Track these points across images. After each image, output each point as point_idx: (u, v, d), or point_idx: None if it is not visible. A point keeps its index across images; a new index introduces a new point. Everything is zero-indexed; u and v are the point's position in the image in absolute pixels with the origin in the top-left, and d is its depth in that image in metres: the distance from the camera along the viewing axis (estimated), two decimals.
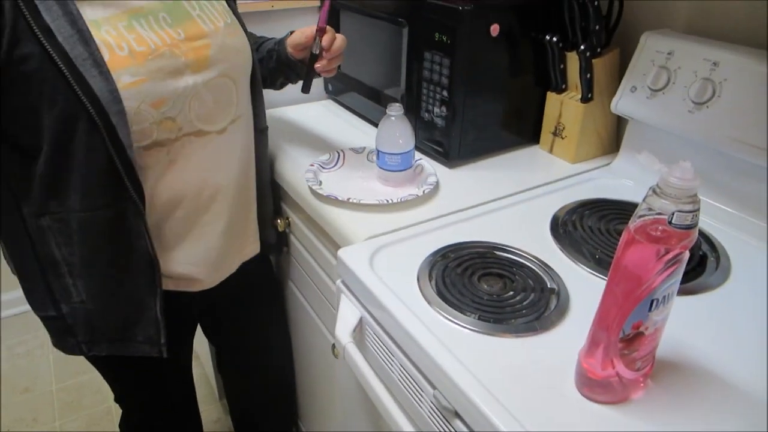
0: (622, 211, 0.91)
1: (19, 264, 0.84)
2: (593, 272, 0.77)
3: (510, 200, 0.95)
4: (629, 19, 1.02)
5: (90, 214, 0.76)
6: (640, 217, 0.54)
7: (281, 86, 1.08)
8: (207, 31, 0.81)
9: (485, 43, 0.97)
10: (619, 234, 0.85)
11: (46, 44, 0.65)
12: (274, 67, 1.02)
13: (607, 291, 0.56)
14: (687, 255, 0.54)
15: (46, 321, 0.87)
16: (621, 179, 1.02)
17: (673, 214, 0.50)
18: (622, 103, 0.99)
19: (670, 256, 0.52)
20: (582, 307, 0.71)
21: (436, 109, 1.02)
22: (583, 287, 0.74)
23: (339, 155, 1.06)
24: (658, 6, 1.02)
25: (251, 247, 1.01)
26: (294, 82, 1.06)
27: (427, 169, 1.01)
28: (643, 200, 0.53)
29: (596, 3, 0.95)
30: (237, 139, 0.90)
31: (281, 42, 1.02)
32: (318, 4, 1.33)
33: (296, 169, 1.03)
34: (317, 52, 0.94)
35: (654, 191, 0.52)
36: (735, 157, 0.86)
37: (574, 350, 0.60)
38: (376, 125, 1.23)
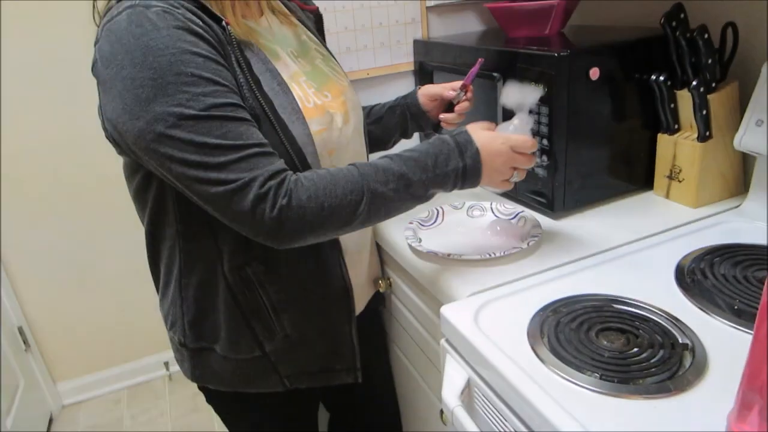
0: (760, 256, 0.81)
1: (218, 319, 0.85)
2: (732, 324, 0.68)
3: (625, 249, 0.88)
4: (746, 49, 0.94)
5: (296, 253, 0.79)
6: None
7: (394, 143, 1.11)
8: (341, 89, 0.89)
9: (585, 88, 0.94)
10: (761, 282, 0.75)
11: (257, 93, 0.73)
12: (398, 121, 1.05)
13: (756, 345, 0.48)
14: None
15: (249, 363, 0.88)
16: (754, 222, 0.91)
17: None
18: (747, 138, 0.90)
19: None
20: (723, 365, 0.61)
21: (537, 159, 0.99)
22: (722, 342, 0.65)
23: (438, 212, 1.05)
24: None
25: (361, 303, 1.01)
26: (421, 130, 1.09)
27: (531, 220, 0.96)
28: None
29: (706, 36, 0.89)
30: None
31: (410, 96, 1.06)
32: (411, 68, 1.36)
33: (395, 228, 1.03)
34: (456, 102, 0.99)
35: None
36: None
37: (718, 414, 0.52)
38: None
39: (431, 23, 1.35)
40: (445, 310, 0.75)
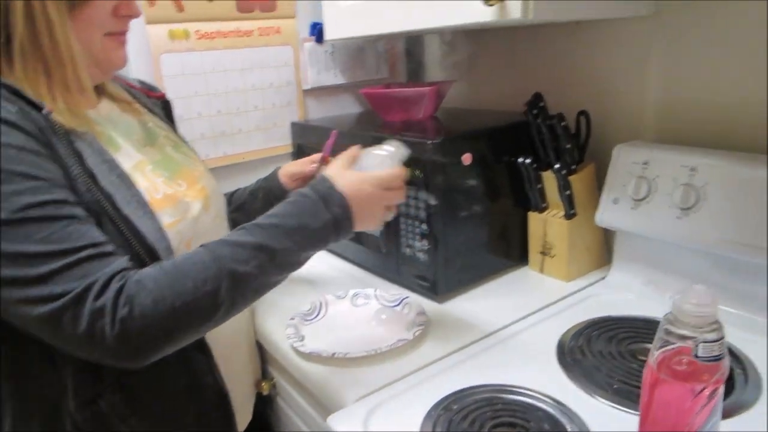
0: (630, 328, 0.85)
1: None
2: (614, 405, 0.69)
3: (509, 330, 0.88)
4: (599, 133, 1.03)
5: (157, 369, 0.65)
6: (660, 349, 0.48)
7: None
8: (197, 175, 0.82)
9: (459, 172, 0.96)
10: (634, 356, 0.78)
11: (93, 188, 0.65)
12: (260, 206, 0.98)
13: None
14: (723, 388, 0.47)
15: None
16: (621, 292, 0.96)
17: (697, 346, 0.44)
18: (607, 215, 0.97)
19: (707, 392, 0.45)
20: None
21: (417, 243, 0.99)
22: (607, 424, 0.66)
23: (320, 304, 1.00)
24: (626, 119, 1.03)
25: (245, 413, 0.92)
26: None
27: (416, 307, 0.95)
28: (660, 330, 0.47)
29: (563, 124, 0.95)
30: None
31: (270, 178, 1.01)
32: (289, 150, 1.34)
33: (275, 323, 0.96)
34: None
35: (669, 321, 0.47)
36: (729, 257, 0.82)
37: None
38: (353, 263, 1.19)
39: (308, 105, 1.35)
40: (333, 420, 0.70)
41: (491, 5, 0.80)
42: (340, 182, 0.72)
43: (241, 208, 1.00)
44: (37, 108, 0.63)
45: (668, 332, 0.46)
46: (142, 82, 0.95)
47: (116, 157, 0.70)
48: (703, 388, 0.44)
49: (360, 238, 1.15)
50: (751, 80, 0.86)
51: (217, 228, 0.83)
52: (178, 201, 0.75)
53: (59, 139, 0.64)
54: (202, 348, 0.76)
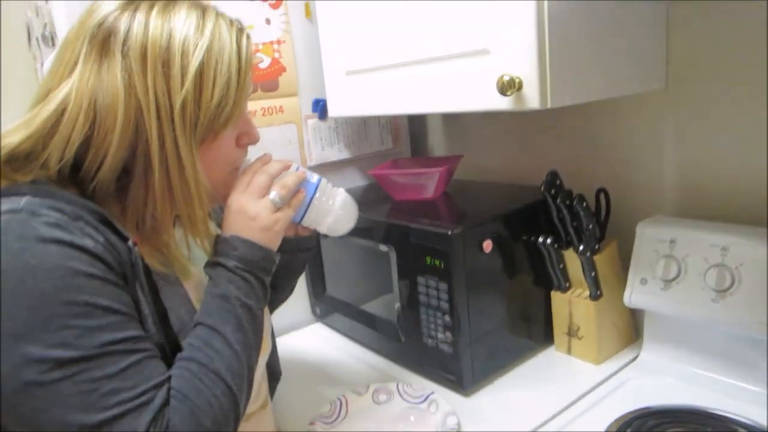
0: (675, 420, 0.80)
1: None
2: None
3: (548, 429, 0.84)
4: (618, 208, 1.00)
5: None
6: None
7: (290, 288, 0.99)
8: None
9: (480, 260, 0.93)
10: None
11: (160, 329, 0.63)
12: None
13: None
14: None
15: None
16: (656, 376, 0.92)
17: None
18: (636, 296, 0.93)
19: None
20: None
21: (440, 335, 0.94)
22: None
23: (340, 403, 0.95)
24: (646, 193, 1.01)
25: None
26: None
27: (443, 406, 0.90)
28: None
29: (585, 204, 0.93)
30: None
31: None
32: None
33: (297, 426, 0.91)
34: None
35: None
36: (765, 339, 0.80)
37: None
38: (373, 350, 1.14)
39: None
40: None
41: (508, 96, 0.78)
42: (228, 225, 0.70)
43: None
44: (123, 238, 0.61)
45: None
46: None
47: (187, 287, 0.70)
48: None
49: (376, 325, 1.11)
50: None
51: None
52: None
53: (136, 272, 0.61)
54: None
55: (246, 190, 0.70)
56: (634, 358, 0.98)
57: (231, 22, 0.67)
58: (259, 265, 0.68)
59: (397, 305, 1.03)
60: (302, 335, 1.28)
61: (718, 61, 0.88)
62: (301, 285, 1.30)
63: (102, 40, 0.61)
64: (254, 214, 0.69)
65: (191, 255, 0.73)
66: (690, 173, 0.95)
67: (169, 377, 0.59)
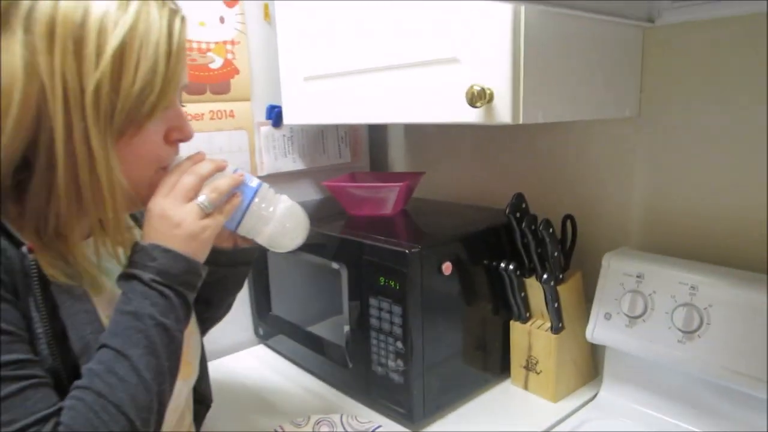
0: None
1: None
2: None
3: None
4: (584, 238, 0.95)
5: None
6: None
7: (227, 305, 0.89)
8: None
9: (438, 283, 0.86)
10: None
11: (56, 352, 0.55)
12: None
13: None
14: None
15: None
16: (618, 419, 0.86)
17: None
18: (599, 332, 0.88)
19: None
20: None
21: (391, 363, 0.87)
22: None
23: None
24: (612, 224, 0.97)
25: None
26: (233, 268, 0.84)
27: None
28: None
29: (551, 230, 0.88)
30: None
31: None
32: None
33: None
34: None
35: None
36: (729, 386, 0.75)
37: None
38: (318, 377, 1.05)
39: None
40: None
41: (477, 107, 0.73)
42: (148, 230, 0.60)
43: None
44: (17, 243, 0.52)
45: None
46: None
47: (97, 303, 0.59)
48: None
49: (323, 349, 1.02)
50: (743, 187, 0.82)
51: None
52: None
53: (31, 283, 0.53)
54: None
55: (170, 192, 0.61)
56: (593, 397, 0.93)
57: (164, 2, 0.59)
58: (181, 279, 0.59)
59: (347, 328, 0.95)
60: (242, 358, 1.18)
61: (692, 91, 0.85)
62: (245, 302, 1.20)
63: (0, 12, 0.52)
64: (178, 219, 0.60)
65: (106, 267, 0.64)
66: (659, 206, 0.91)
67: (60, 410, 0.50)
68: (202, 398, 0.86)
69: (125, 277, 0.58)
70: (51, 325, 0.54)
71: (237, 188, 0.66)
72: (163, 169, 0.64)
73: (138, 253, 0.59)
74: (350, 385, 0.98)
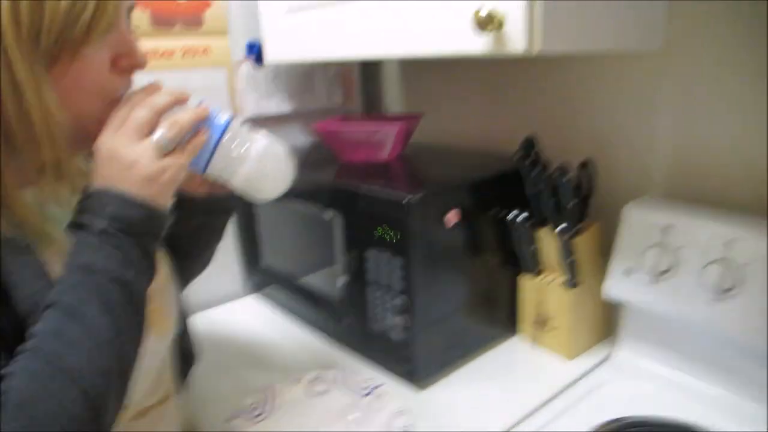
0: None
1: None
2: None
3: None
4: (602, 186, 0.86)
5: None
6: None
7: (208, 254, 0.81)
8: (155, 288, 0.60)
9: (441, 234, 0.77)
10: None
11: None
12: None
13: None
14: None
15: None
16: (634, 380, 0.80)
17: None
18: (617, 288, 0.80)
19: None
20: None
21: (391, 319, 0.79)
22: None
23: (266, 396, 0.79)
24: (634, 170, 0.88)
25: None
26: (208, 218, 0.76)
27: (390, 401, 0.75)
28: None
29: (567, 177, 0.78)
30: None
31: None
32: None
33: (213, 425, 0.75)
34: None
35: None
36: (760, 347, 0.68)
37: None
38: (312, 330, 0.99)
39: None
40: None
41: (489, 31, 0.62)
42: (101, 175, 0.51)
43: (170, 245, 0.74)
44: None
45: None
46: None
47: (49, 257, 0.52)
48: None
49: (316, 302, 0.95)
50: None
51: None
52: None
53: None
54: None
55: (120, 128, 0.51)
56: (607, 357, 0.86)
57: None
58: (140, 228, 0.50)
59: (341, 281, 0.87)
60: (232, 309, 1.11)
61: (724, 22, 0.73)
62: (233, 252, 1.13)
63: None
64: (131, 159, 0.50)
65: (55, 214, 0.55)
66: (687, 149, 0.82)
67: (2, 377, 0.43)
68: (186, 354, 0.80)
69: (74, 226, 0.50)
70: None
71: (202, 123, 0.56)
72: (116, 101, 0.54)
73: (87, 200, 0.50)
74: (346, 339, 0.91)
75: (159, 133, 0.52)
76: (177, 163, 0.53)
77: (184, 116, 0.54)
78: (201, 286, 0.84)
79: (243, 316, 1.08)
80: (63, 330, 0.45)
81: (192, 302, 1.05)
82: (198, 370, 0.84)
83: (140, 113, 0.52)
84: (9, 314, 0.47)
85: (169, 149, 0.53)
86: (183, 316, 0.75)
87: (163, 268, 0.69)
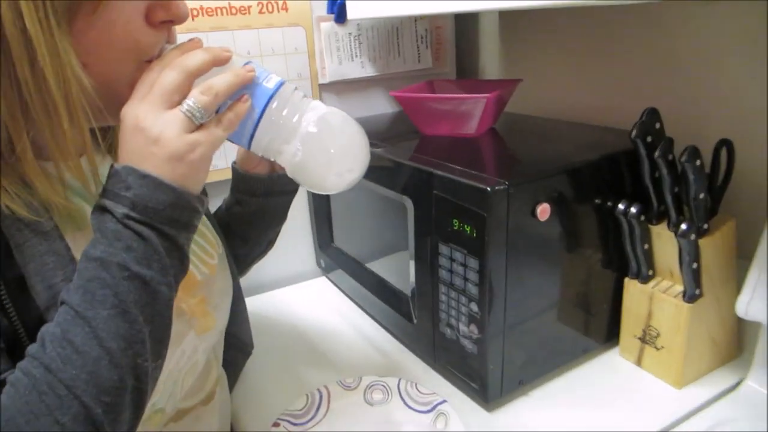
0: None
1: None
2: None
3: None
4: (740, 174, 0.69)
5: None
6: None
7: (271, 236, 0.76)
8: (201, 280, 0.58)
9: (530, 229, 0.64)
10: None
11: (11, 311, 0.43)
12: (240, 212, 0.69)
13: None
14: None
15: None
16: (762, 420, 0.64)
17: None
18: (756, 305, 0.64)
19: None
20: None
21: (463, 327, 0.68)
22: None
23: (319, 398, 0.71)
24: None
25: None
26: (269, 197, 0.69)
27: (454, 425, 0.65)
28: None
29: (698, 161, 0.62)
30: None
31: (233, 179, 0.69)
32: None
33: (258, 426, 0.69)
34: None
35: None
36: None
37: None
38: (378, 323, 0.90)
39: (328, 103, 1.04)
40: None
41: None
42: (124, 152, 0.43)
43: (228, 227, 0.71)
44: None
45: None
46: None
47: (77, 240, 0.46)
48: None
49: (385, 295, 0.86)
50: None
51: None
52: None
53: None
54: None
55: (148, 95, 0.43)
56: (735, 386, 0.70)
57: None
58: (166, 215, 0.43)
59: (412, 276, 0.77)
60: (299, 291, 1.05)
61: None
62: (307, 231, 1.06)
63: None
64: (156, 133, 0.42)
65: (81, 194, 0.49)
66: None
67: (2, 384, 0.38)
68: (240, 344, 0.75)
69: (98, 209, 0.43)
70: (9, 272, 0.41)
71: (245, 89, 0.47)
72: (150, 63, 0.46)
73: (111, 179, 0.43)
74: (414, 339, 0.81)
75: (189, 102, 0.44)
76: (210, 138, 0.45)
77: (221, 80, 0.45)
78: (270, 264, 0.78)
79: (309, 300, 1.01)
80: (68, 334, 0.39)
81: (259, 280, 1.02)
82: (251, 361, 0.79)
83: (169, 77, 0.44)
84: (26, 308, 0.42)
85: (202, 120, 0.44)
86: (239, 304, 0.70)
87: (215, 254, 0.62)
